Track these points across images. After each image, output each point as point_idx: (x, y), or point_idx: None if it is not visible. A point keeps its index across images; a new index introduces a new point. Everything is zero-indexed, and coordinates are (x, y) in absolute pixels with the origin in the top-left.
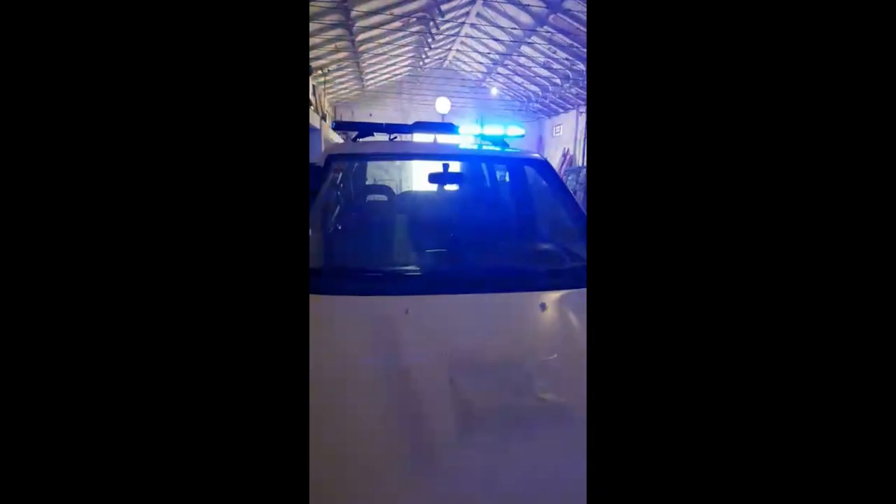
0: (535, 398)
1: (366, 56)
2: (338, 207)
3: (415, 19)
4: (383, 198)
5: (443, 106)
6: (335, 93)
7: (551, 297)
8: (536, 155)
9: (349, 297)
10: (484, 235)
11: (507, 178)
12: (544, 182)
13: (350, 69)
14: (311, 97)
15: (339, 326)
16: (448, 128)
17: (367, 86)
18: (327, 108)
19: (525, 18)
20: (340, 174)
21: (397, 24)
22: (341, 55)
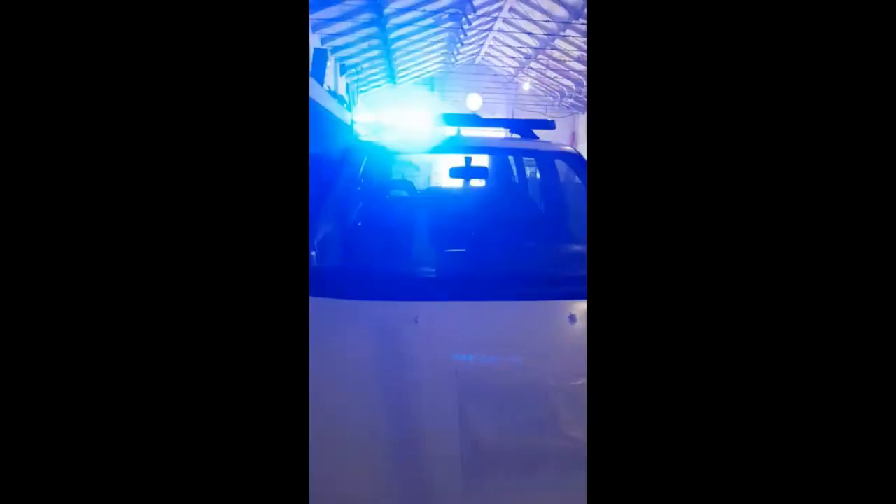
0: (559, 435)
1: (398, 53)
2: (351, 202)
3: (447, 15)
4: (403, 193)
5: (474, 102)
6: (369, 90)
7: (582, 307)
8: (569, 148)
9: (352, 302)
10: (509, 234)
11: (537, 173)
12: (577, 177)
13: (382, 66)
14: (344, 95)
15: (337, 338)
16: (473, 119)
17: (400, 83)
18: (359, 105)
19: (560, 11)
20: (359, 168)
21: (429, 20)
22: (374, 53)
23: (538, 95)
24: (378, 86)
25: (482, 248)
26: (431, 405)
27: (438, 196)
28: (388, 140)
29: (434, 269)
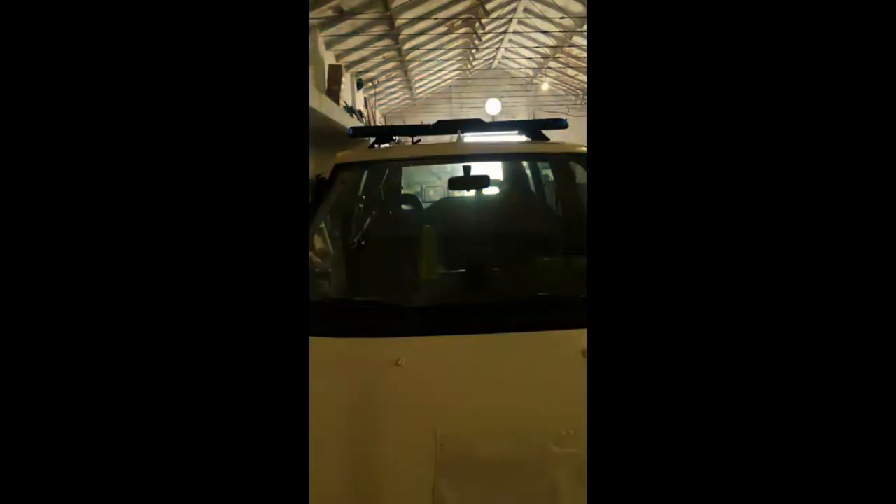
0: None
1: (414, 64)
2: (337, 223)
3: (460, 21)
4: (407, 207)
5: (493, 107)
6: (387, 104)
7: None
8: (582, 149)
9: (321, 340)
10: (517, 250)
11: (552, 178)
12: None
13: (399, 79)
14: (363, 109)
15: None
16: (475, 123)
17: (417, 94)
18: (379, 119)
19: (576, 7)
20: (349, 185)
21: (442, 27)
22: (389, 66)
23: (559, 95)
24: (396, 99)
25: (485, 268)
26: (398, 490)
27: (439, 209)
28: (379, 153)
29: (426, 296)
